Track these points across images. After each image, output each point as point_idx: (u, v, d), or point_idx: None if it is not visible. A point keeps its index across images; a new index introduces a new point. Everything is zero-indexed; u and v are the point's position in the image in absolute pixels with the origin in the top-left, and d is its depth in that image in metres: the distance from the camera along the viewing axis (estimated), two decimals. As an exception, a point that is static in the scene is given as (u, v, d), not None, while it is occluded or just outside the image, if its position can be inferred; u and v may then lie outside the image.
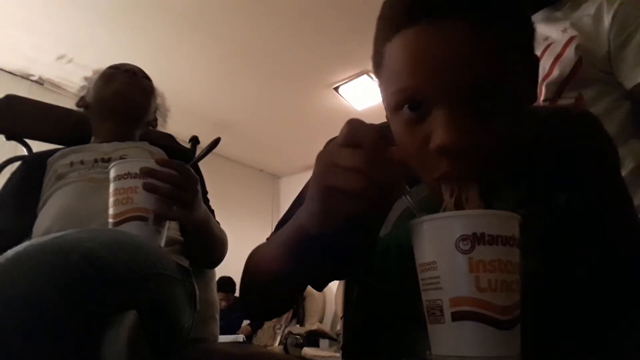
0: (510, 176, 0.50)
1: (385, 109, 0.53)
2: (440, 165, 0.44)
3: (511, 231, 0.41)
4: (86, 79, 1.12)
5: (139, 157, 0.94)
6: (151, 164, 0.67)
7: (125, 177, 0.66)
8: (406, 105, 0.46)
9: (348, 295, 0.71)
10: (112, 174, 0.68)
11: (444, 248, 0.40)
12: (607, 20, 0.92)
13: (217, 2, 2.58)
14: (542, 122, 0.55)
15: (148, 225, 0.66)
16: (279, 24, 2.78)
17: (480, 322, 0.38)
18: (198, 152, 1.30)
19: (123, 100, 1.01)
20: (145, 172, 0.66)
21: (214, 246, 0.93)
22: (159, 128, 1.18)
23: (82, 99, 1.09)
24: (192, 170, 0.72)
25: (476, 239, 0.39)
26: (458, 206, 0.45)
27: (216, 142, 0.79)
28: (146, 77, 1.09)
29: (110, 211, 0.67)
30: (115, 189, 0.66)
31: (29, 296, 0.41)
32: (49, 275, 0.43)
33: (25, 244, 0.46)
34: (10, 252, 0.45)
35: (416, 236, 0.44)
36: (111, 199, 0.67)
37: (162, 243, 0.69)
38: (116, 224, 0.65)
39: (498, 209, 0.44)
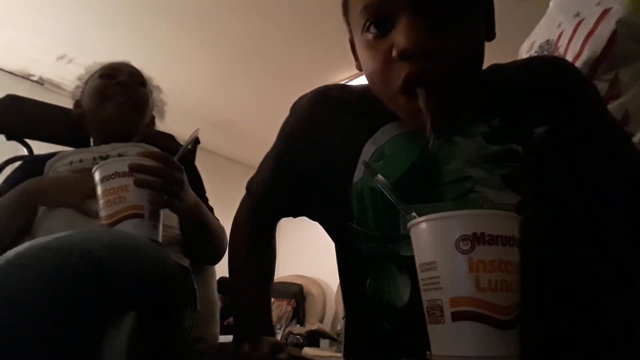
0: (483, 112, 0.52)
1: (353, 44, 0.59)
2: (403, 71, 0.46)
3: (511, 231, 0.41)
4: (79, 78, 1.10)
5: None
6: (138, 159, 0.66)
7: (114, 176, 0.64)
8: (371, 24, 0.49)
9: (347, 293, 0.71)
10: (98, 175, 0.66)
11: (444, 248, 0.40)
12: None
13: (217, 2, 2.58)
14: (518, 66, 0.57)
15: (145, 221, 0.65)
16: (279, 24, 2.78)
17: (480, 322, 0.38)
18: (198, 152, 1.30)
19: (116, 125, 0.99)
20: (135, 169, 0.65)
21: (211, 236, 0.92)
22: (157, 122, 1.16)
23: (77, 104, 1.07)
24: (175, 160, 0.71)
25: (476, 239, 0.39)
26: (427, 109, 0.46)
27: (192, 138, 0.78)
28: (142, 83, 1.06)
29: (103, 213, 0.65)
30: (105, 190, 0.65)
31: (29, 297, 0.41)
32: (50, 277, 0.43)
33: (25, 245, 0.46)
34: (10, 253, 0.45)
35: (416, 236, 0.44)
36: (101, 201, 0.65)
37: (160, 237, 0.68)
38: (112, 224, 0.64)
39: (466, 142, 0.48)
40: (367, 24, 0.50)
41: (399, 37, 0.46)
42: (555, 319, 0.50)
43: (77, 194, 0.79)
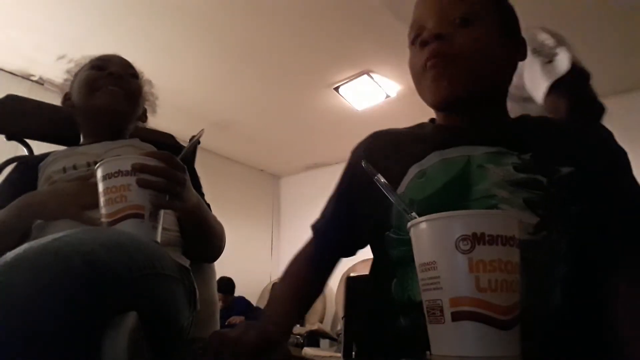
0: (517, 148, 0.60)
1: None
2: (424, 55, 0.63)
3: (511, 231, 0.41)
4: (68, 71, 1.07)
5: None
6: (140, 159, 0.66)
7: (116, 175, 0.64)
8: (416, 38, 0.65)
9: (349, 296, 0.72)
10: (101, 173, 0.66)
11: (444, 248, 0.40)
12: None
13: (217, 2, 2.58)
14: (566, 118, 0.69)
15: (145, 222, 0.65)
16: (280, 24, 2.78)
17: (480, 322, 0.38)
18: (198, 152, 1.29)
19: (108, 115, 0.96)
20: (138, 168, 0.64)
21: (211, 235, 0.92)
22: (150, 117, 1.13)
23: (67, 97, 1.04)
24: (177, 158, 0.71)
25: (476, 239, 0.39)
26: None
27: (197, 138, 0.78)
28: (134, 75, 1.03)
29: (103, 211, 0.65)
30: (107, 188, 0.64)
31: (29, 298, 0.41)
32: (49, 277, 0.43)
33: (24, 246, 0.46)
34: (9, 255, 0.45)
35: (416, 236, 0.44)
36: (102, 199, 0.65)
37: (159, 238, 0.68)
38: (111, 223, 0.63)
39: (496, 169, 0.58)
40: (413, 35, 0.67)
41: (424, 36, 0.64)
42: (574, 336, 0.53)
43: (75, 205, 0.77)
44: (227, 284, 3.88)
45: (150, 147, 0.99)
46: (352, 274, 0.94)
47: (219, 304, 1.08)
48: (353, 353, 0.94)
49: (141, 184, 0.64)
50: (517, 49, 0.68)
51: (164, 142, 1.05)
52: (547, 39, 1.15)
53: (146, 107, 1.11)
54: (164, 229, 0.77)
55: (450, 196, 0.60)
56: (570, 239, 0.54)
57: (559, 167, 0.57)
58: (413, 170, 0.64)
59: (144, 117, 1.10)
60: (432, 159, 0.63)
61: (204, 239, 0.91)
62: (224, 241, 0.97)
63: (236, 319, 3.58)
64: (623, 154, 0.63)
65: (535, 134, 0.63)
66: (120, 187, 0.64)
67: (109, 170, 0.65)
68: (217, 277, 1.10)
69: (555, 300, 0.53)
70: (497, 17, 0.65)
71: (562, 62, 1.08)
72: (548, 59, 1.12)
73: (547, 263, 0.53)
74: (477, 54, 0.62)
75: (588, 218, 0.55)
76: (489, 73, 0.64)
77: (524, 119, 0.69)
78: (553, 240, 0.54)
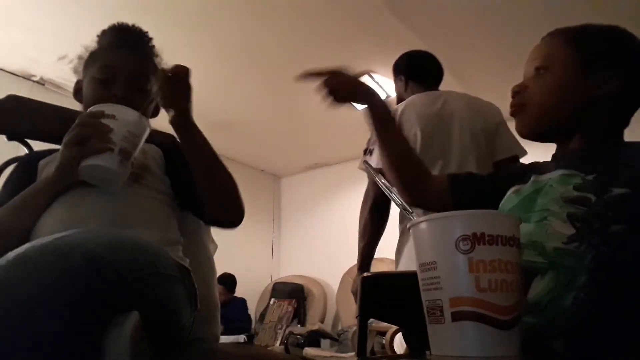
0: (583, 169, 0.66)
1: None
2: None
3: (511, 231, 0.41)
4: (80, 57, 1.04)
5: (135, 159, 0.90)
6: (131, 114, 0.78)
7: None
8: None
9: (365, 294, 0.78)
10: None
11: (444, 248, 0.41)
12: None
13: (218, 2, 2.59)
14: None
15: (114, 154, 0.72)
16: (280, 24, 2.78)
17: (480, 322, 0.38)
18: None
19: None
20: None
21: (224, 178, 0.88)
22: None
23: (79, 87, 1.00)
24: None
25: (476, 239, 0.39)
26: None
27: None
28: (140, 88, 0.95)
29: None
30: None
31: (30, 298, 0.41)
32: (50, 277, 0.43)
33: (25, 246, 0.46)
34: (11, 254, 0.45)
35: (416, 236, 0.44)
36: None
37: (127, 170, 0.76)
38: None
39: (559, 187, 0.66)
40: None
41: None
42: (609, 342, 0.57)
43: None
44: (229, 279, 3.88)
45: (151, 149, 0.99)
46: (366, 274, 0.94)
47: (219, 302, 1.08)
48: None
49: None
50: (601, 82, 0.71)
51: (164, 142, 1.05)
52: None
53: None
54: (164, 228, 0.77)
55: (522, 207, 0.70)
56: (597, 253, 0.58)
57: (612, 188, 0.61)
58: (513, 189, 0.76)
59: (155, 112, 1.05)
60: (530, 181, 0.74)
61: (217, 183, 0.88)
62: (241, 199, 0.93)
63: None
64: None
65: (611, 158, 0.69)
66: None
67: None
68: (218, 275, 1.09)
69: (567, 302, 0.58)
70: (576, 57, 0.72)
71: None
72: None
73: (571, 270, 0.59)
74: (544, 98, 0.74)
75: (628, 238, 0.58)
76: (558, 111, 0.73)
77: (617, 146, 0.73)
78: (581, 251, 0.59)
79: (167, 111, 0.85)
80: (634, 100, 0.73)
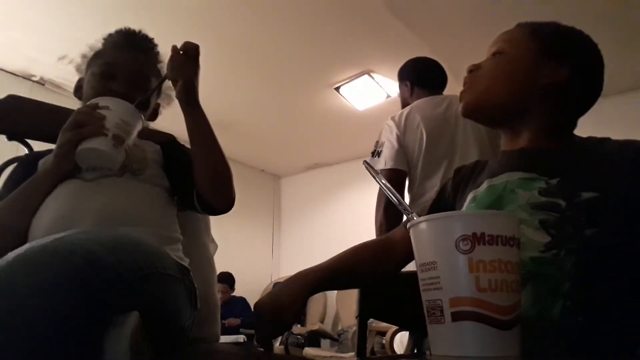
0: (546, 173, 0.65)
1: None
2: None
3: (511, 231, 0.41)
4: (84, 55, 1.04)
5: (133, 154, 0.91)
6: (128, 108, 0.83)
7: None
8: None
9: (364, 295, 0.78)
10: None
11: (444, 248, 0.41)
12: None
13: (218, 2, 2.59)
14: (598, 140, 0.69)
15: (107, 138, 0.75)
16: (280, 24, 2.78)
17: (480, 322, 0.38)
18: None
19: None
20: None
21: (220, 160, 0.90)
22: (164, 109, 1.11)
23: (80, 85, 1.01)
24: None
25: (476, 239, 0.39)
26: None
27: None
28: (139, 86, 0.97)
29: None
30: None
31: (30, 298, 0.41)
32: (51, 278, 0.43)
33: (25, 246, 0.46)
34: (10, 255, 0.45)
35: (416, 236, 0.44)
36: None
37: (121, 156, 0.78)
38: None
39: (524, 194, 0.64)
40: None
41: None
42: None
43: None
44: (228, 278, 3.88)
45: (150, 146, 0.99)
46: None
47: (219, 302, 1.08)
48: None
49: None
50: (550, 72, 0.70)
51: (164, 140, 1.05)
52: None
53: (160, 100, 1.09)
54: (164, 228, 0.77)
55: None
56: (577, 259, 0.58)
57: (581, 192, 0.61)
58: (469, 197, 0.74)
59: (152, 117, 1.07)
60: (483, 186, 0.72)
61: (214, 162, 0.89)
62: (233, 187, 0.95)
63: (232, 322, 3.58)
64: None
65: (572, 160, 0.67)
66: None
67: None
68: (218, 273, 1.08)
69: (555, 312, 0.57)
70: (531, 46, 0.73)
71: None
72: None
73: (552, 279, 0.58)
74: (494, 78, 0.74)
75: (603, 241, 0.58)
76: (501, 92, 0.73)
77: (569, 145, 0.72)
78: (561, 258, 0.58)
79: (174, 84, 0.90)
80: (582, 96, 0.72)
